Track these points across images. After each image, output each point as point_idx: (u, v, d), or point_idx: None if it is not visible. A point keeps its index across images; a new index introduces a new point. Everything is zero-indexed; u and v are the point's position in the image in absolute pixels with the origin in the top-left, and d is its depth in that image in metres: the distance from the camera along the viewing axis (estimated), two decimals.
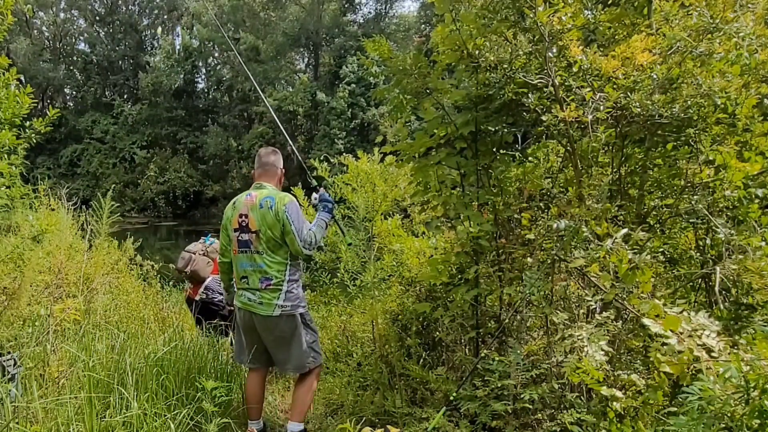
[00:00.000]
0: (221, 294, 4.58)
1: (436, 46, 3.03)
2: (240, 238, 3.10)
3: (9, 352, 3.25)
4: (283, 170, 3.35)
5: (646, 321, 2.05)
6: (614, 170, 2.87)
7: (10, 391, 2.80)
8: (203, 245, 4.74)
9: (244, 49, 35.39)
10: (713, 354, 1.92)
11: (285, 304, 3.03)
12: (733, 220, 2.54)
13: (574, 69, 2.72)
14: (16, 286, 4.38)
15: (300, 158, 4.52)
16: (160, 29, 40.11)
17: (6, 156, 4.04)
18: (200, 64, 39.28)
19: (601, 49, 2.77)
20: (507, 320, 3.00)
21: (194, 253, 4.64)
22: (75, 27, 40.84)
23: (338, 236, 4.94)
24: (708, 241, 2.64)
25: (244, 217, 3.09)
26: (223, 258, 3.36)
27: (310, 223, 3.20)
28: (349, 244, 3.58)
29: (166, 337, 3.94)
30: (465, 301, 3.10)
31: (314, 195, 3.25)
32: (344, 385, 3.94)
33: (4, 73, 3.89)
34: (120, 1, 40.15)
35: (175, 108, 37.23)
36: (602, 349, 2.18)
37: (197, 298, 4.61)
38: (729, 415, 1.63)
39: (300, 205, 3.13)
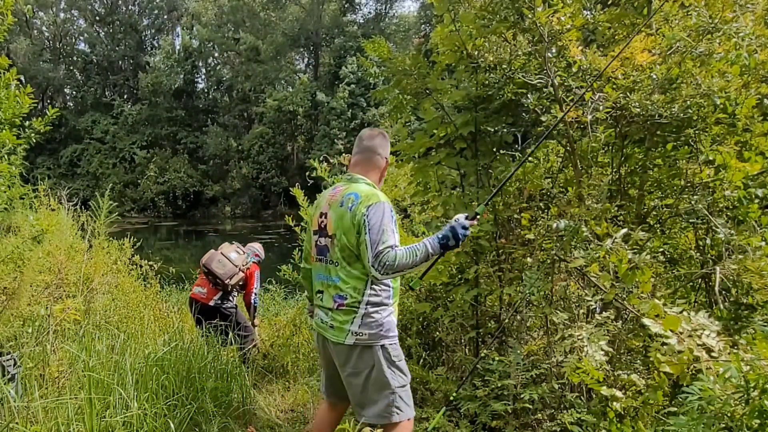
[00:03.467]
0: (234, 306, 4.69)
1: (436, 46, 3.04)
2: (318, 242, 2.48)
3: (9, 352, 3.25)
4: (388, 160, 2.58)
5: (646, 321, 2.05)
6: (614, 170, 2.87)
7: (10, 391, 2.80)
8: (243, 259, 4.69)
9: (244, 50, 35.42)
10: (713, 354, 1.92)
11: (361, 331, 2.32)
12: (733, 220, 2.54)
13: (574, 69, 2.72)
14: (16, 286, 4.39)
15: None
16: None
17: (6, 156, 4.04)
18: (200, 64, 39.32)
19: (601, 49, 2.77)
20: (507, 320, 3.00)
21: (238, 268, 4.61)
22: (75, 27, 40.88)
23: None
24: (708, 241, 2.64)
25: (323, 216, 2.46)
26: (305, 263, 2.70)
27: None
28: (411, 288, 2.71)
29: (166, 338, 3.95)
30: (465, 301, 3.10)
31: (457, 216, 2.40)
32: None
33: (4, 74, 3.89)
34: (120, 1, 40.18)
35: (175, 108, 37.27)
36: (602, 349, 2.18)
37: (211, 303, 4.58)
38: (729, 415, 1.63)
39: (392, 210, 2.32)
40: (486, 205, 2.50)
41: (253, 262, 4.82)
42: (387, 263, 2.19)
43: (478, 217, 2.42)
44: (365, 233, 2.24)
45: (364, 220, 2.25)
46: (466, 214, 2.37)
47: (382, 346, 2.33)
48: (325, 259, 2.44)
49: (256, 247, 5.03)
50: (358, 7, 38.27)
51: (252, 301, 4.78)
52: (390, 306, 2.38)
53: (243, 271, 4.64)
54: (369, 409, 2.37)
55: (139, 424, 2.74)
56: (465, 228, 2.30)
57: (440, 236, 2.29)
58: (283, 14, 36.91)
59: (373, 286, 2.34)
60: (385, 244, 2.21)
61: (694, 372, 1.93)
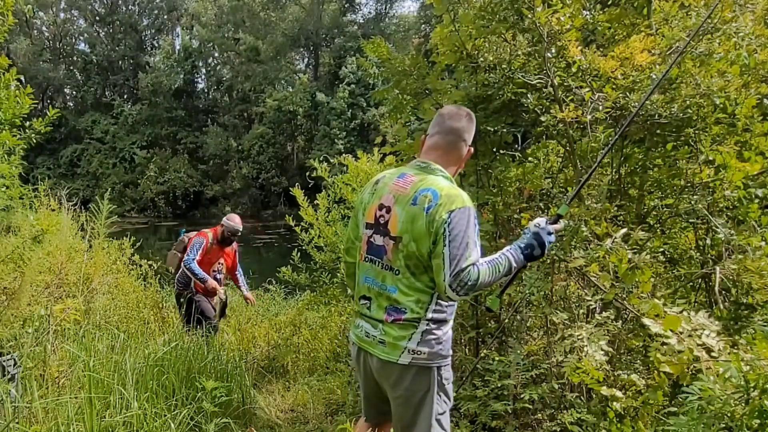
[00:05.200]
0: (186, 283, 4.76)
1: (436, 46, 3.04)
2: (372, 239, 2.05)
3: (9, 352, 3.25)
4: (471, 150, 2.13)
5: (646, 321, 2.05)
6: (614, 170, 2.87)
7: (10, 391, 2.80)
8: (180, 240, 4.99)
9: (243, 50, 35.42)
10: (713, 354, 1.92)
11: (419, 349, 1.95)
12: (733, 220, 2.54)
13: (573, 69, 2.72)
14: (17, 286, 4.39)
15: None
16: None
17: (6, 156, 4.05)
18: (200, 64, 39.31)
19: (601, 50, 2.77)
20: (507, 320, 3.00)
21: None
22: (75, 27, 40.87)
23: (338, 237, 4.95)
24: (708, 241, 2.64)
25: (384, 210, 2.01)
26: (347, 257, 2.26)
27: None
28: (489, 309, 2.26)
29: (166, 338, 3.95)
30: (465, 301, 3.10)
31: (537, 220, 2.03)
32: (344, 385, 3.94)
33: (3, 74, 3.89)
34: (120, 1, 40.16)
35: (175, 108, 37.26)
36: (602, 349, 2.19)
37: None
38: (729, 415, 1.63)
39: (476, 217, 1.92)
40: (569, 204, 2.17)
41: (201, 231, 4.88)
42: (468, 284, 1.81)
43: (561, 219, 2.08)
44: (444, 245, 1.84)
45: (445, 229, 1.84)
46: (546, 218, 2.04)
47: (439, 367, 1.99)
48: (380, 262, 2.01)
49: (224, 218, 4.95)
50: (358, 7, 38.26)
51: (184, 266, 4.69)
52: (451, 321, 2.04)
53: (174, 250, 4.96)
54: None
55: (139, 424, 2.74)
56: (550, 233, 1.97)
57: (523, 245, 1.95)
58: (283, 14, 36.89)
59: (439, 301, 1.97)
60: (468, 261, 1.82)
61: (694, 372, 1.93)
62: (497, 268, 1.87)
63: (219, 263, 4.88)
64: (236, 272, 5.09)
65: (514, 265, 1.92)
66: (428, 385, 1.98)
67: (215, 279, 4.75)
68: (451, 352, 2.03)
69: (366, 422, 2.28)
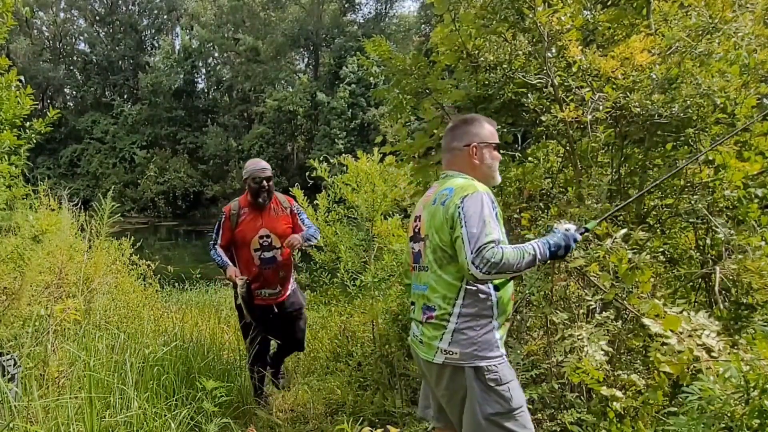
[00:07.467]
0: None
1: (436, 46, 3.04)
2: (413, 248, 2.21)
3: (9, 352, 3.25)
4: (475, 146, 2.14)
5: (646, 321, 2.05)
6: (614, 170, 2.87)
7: (10, 390, 2.80)
8: None
9: (243, 50, 35.42)
10: (713, 354, 1.92)
11: (451, 350, 1.97)
12: (733, 220, 2.54)
13: (574, 69, 2.72)
14: (17, 286, 4.38)
15: None
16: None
17: (7, 157, 4.05)
18: (200, 64, 39.33)
19: (601, 50, 2.77)
20: None
21: None
22: (75, 27, 40.91)
23: (338, 237, 4.96)
24: (708, 241, 2.64)
25: (417, 220, 2.18)
26: (406, 279, 2.45)
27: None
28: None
29: (166, 338, 3.95)
30: None
31: (566, 225, 2.05)
32: (344, 385, 3.94)
33: (3, 74, 3.90)
34: (120, 1, 40.20)
35: (175, 108, 37.28)
36: (602, 349, 2.18)
37: None
38: (729, 415, 1.63)
39: (493, 202, 1.95)
40: (599, 222, 2.22)
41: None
42: (491, 260, 1.80)
43: (586, 233, 2.11)
44: (461, 226, 1.87)
45: (459, 213, 1.89)
46: (576, 226, 2.05)
47: (476, 367, 1.94)
48: (419, 266, 2.14)
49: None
50: (358, 7, 38.29)
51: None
52: (491, 320, 1.98)
53: None
54: None
55: (139, 424, 2.75)
56: (576, 241, 1.98)
57: (552, 242, 1.94)
58: (283, 14, 36.90)
59: (468, 296, 1.97)
60: (489, 237, 1.83)
61: (694, 372, 1.94)
62: (523, 255, 1.86)
63: (263, 237, 3.56)
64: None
65: (539, 257, 1.90)
66: (464, 386, 1.96)
67: (268, 260, 3.56)
68: (496, 353, 1.97)
69: (439, 427, 2.25)
